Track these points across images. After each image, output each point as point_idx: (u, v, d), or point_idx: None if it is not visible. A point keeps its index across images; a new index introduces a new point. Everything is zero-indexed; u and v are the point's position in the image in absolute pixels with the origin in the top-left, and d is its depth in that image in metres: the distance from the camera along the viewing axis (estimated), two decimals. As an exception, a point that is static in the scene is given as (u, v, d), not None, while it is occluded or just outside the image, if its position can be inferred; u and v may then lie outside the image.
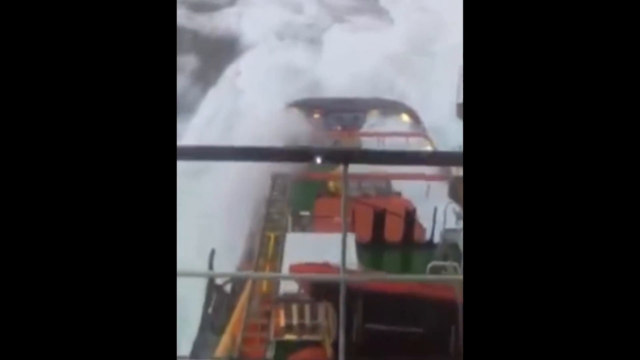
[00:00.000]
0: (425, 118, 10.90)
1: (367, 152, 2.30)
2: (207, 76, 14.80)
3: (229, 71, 14.93)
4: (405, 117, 10.87)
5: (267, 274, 5.25)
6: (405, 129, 10.60)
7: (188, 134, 10.99)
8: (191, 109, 12.77)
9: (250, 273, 5.42)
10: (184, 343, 5.72)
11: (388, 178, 8.09)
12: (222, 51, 15.96)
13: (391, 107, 11.13)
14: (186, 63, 14.77)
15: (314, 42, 15.96)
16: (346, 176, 1.68)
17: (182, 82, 13.37)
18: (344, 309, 1.71)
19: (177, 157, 1.65)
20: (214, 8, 17.98)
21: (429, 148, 9.48)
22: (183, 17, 15.87)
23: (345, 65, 13.55)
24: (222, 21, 17.53)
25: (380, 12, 17.39)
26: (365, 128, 10.49)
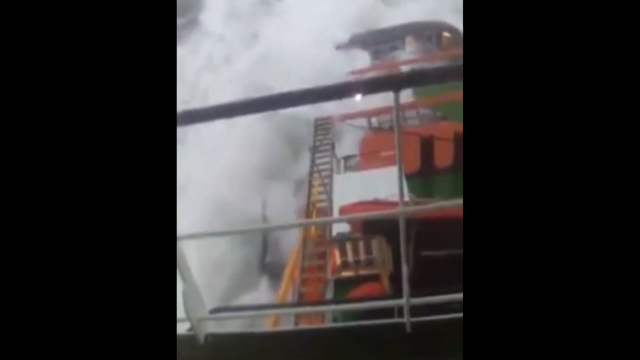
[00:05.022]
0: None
1: (416, 73, 2.20)
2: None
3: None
4: (446, 35, 10.38)
5: (314, 220, 5.31)
6: (447, 47, 10.16)
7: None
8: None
9: (298, 221, 5.50)
10: (244, 291, 5.99)
11: (433, 104, 7.85)
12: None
13: (430, 29, 10.64)
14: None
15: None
16: (397, 104, 1.58)
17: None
18: (404, 243, 1.69)
19: (211, 116, 1.62)
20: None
21: None
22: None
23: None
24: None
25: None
26: (404, 56, 10.13)
